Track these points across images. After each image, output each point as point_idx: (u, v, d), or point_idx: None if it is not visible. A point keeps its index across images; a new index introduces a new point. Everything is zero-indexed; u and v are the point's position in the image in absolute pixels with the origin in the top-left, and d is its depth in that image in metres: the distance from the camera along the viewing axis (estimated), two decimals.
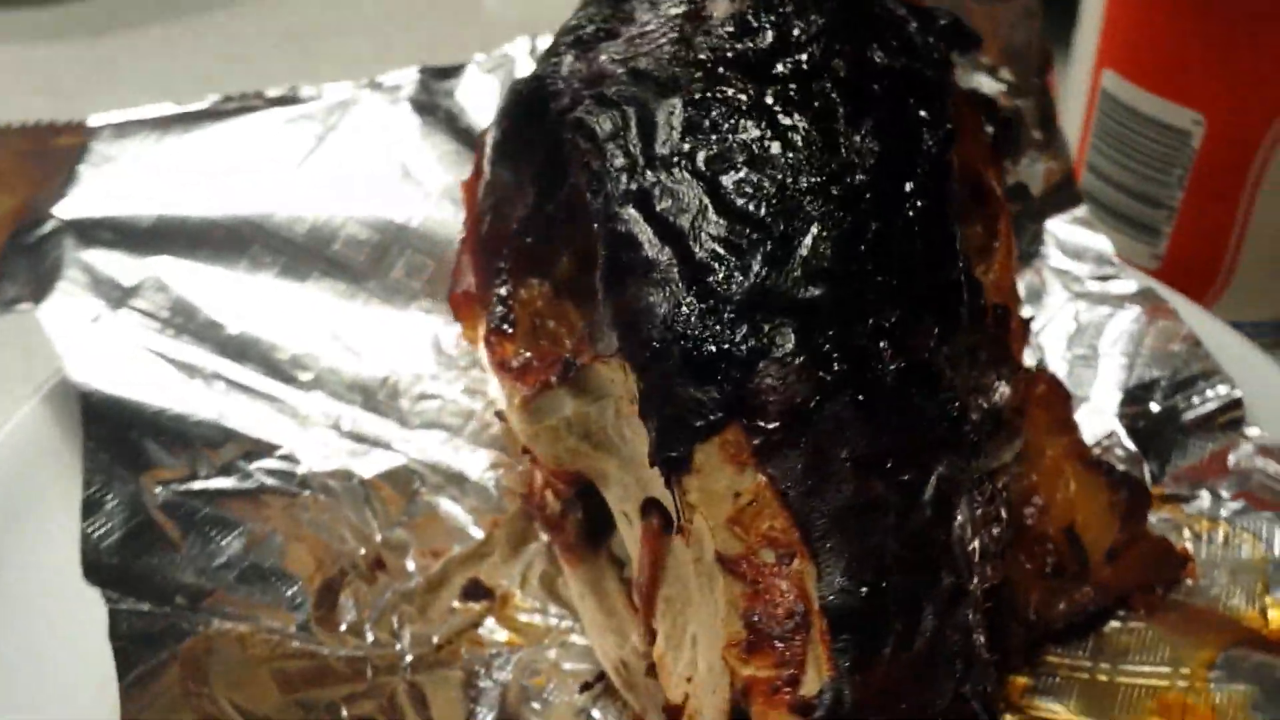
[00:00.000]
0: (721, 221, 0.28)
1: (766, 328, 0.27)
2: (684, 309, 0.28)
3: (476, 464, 0.40)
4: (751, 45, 0.31)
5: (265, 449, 0.37)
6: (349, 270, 0.42)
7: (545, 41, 0.40)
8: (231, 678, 0.31)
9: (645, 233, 0.28)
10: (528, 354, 0.32)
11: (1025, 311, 0.42)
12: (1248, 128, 0.42)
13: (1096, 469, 0.38)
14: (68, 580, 0.32)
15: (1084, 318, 0.44)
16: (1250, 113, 0.41)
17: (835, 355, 0.27)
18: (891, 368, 0.27)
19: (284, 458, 0.37)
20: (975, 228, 0.34)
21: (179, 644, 0.31)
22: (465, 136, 0.45)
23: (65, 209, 0.40)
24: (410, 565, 0.37)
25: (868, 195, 0.29)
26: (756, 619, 0.26)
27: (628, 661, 0.33)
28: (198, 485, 0.35)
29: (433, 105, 0.46)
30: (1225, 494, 0.39)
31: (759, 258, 0.28)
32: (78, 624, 0.32)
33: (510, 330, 0.33)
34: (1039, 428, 0.38)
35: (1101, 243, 0.45)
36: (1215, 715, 0.34)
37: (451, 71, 0.47)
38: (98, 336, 0.38)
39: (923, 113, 0.30)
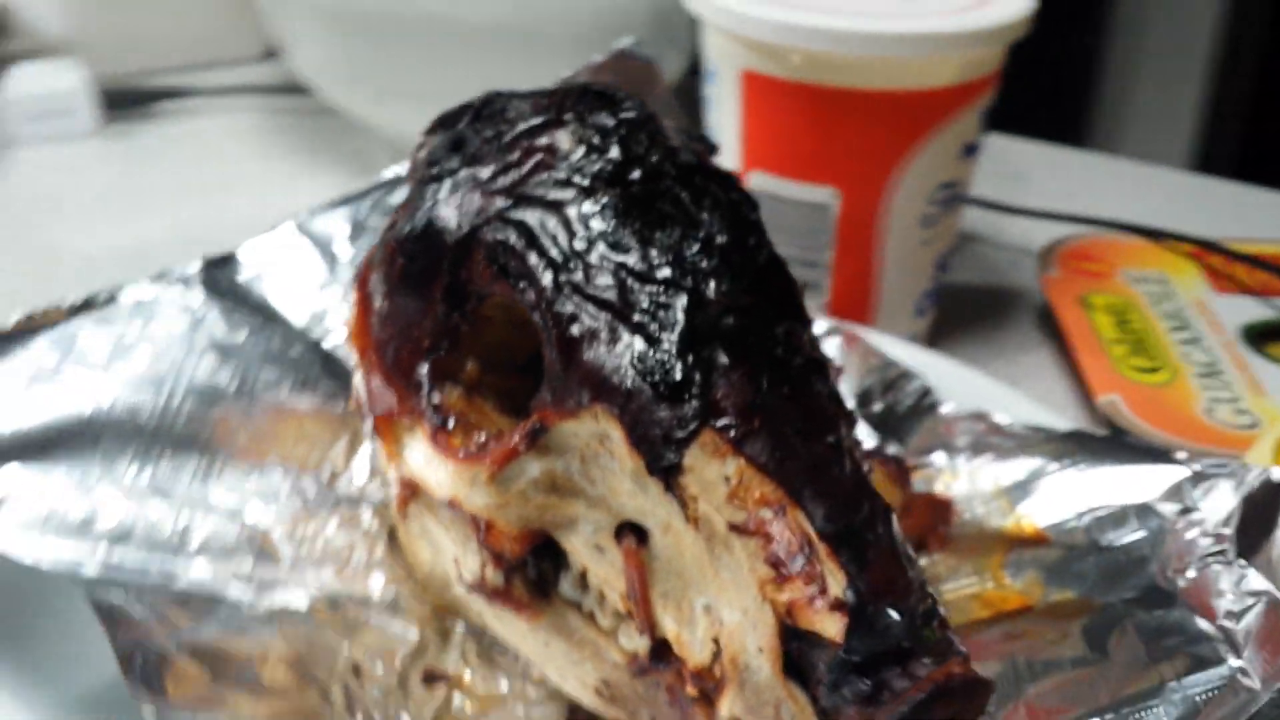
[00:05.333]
0: (643, 288, 0.36)
1: (705, 353, 0.36)
2: (639, 356, 0.35)
3: (375, 585, 0.44)
4: (604, 162, 0.39)
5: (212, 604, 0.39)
6: (198, 442, 0.45)
7: None
8: None
9: (585, 309, 0.36)
10: (483, 436, 0.38)
11: None
12: (870, 194, 0.57)
13: (871, 454, 0.50)
14: None
15: None
16: (870, 183, 0.56)
17: (759, 361, 0.36)
18: (797, 362, 0.37)
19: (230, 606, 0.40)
20: None
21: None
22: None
23: None
24: (379, 668, 0.40)
25: (733, 248, 0.38)
26: (776, 559, 0.34)
27: (609, 679, 0.39)
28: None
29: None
30: (951, 452, 0.52)
31: (680, 306, 0.36)
32: None
33: (451, 428, 0.39)
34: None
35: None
36: (1021, 595, 0.46)
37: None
38: None
39: (730, 190, 0.41)
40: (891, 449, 0.52)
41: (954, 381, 0.55)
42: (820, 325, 0.56)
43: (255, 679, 0.38)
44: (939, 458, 0.51)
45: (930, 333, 0.65)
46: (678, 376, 0.35)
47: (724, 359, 0.36)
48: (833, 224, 0.57)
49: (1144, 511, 0.45)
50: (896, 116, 0.54)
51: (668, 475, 0.35)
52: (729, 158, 0.59)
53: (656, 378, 0.35)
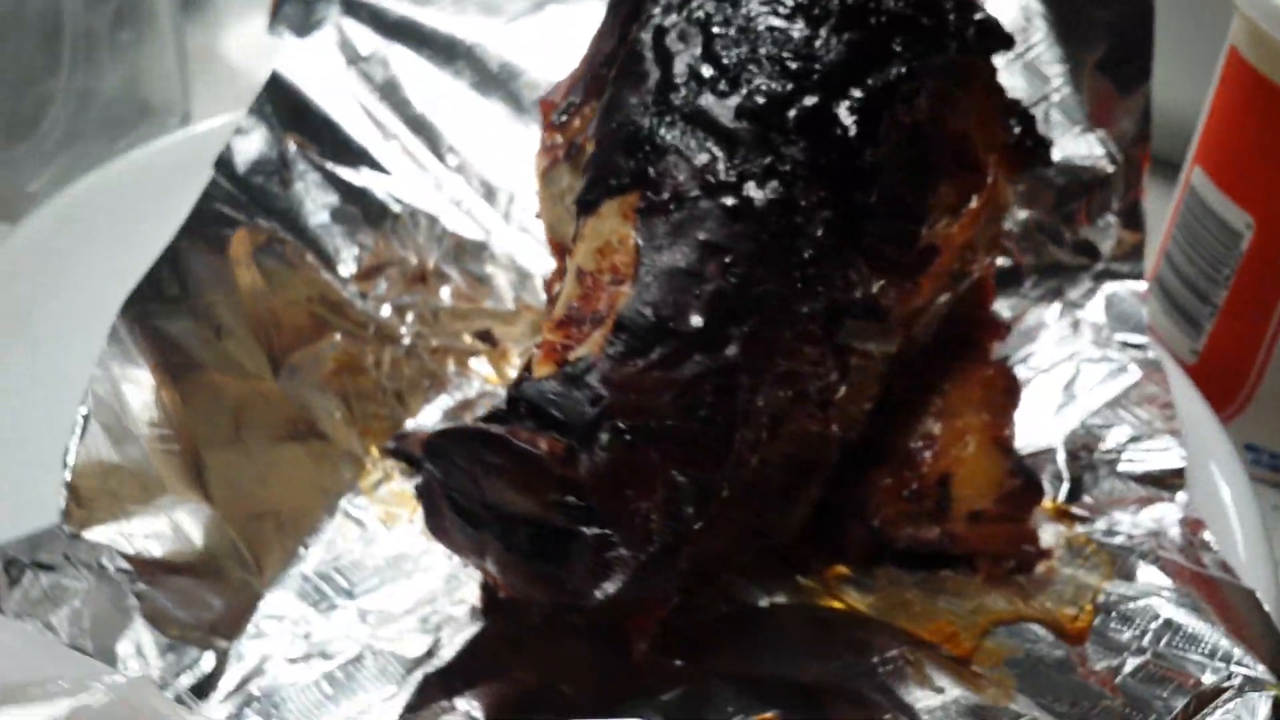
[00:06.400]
0: (700, 60, 0.37)
1: (692, 140, 0.36)
2: (643, 107, 0.37)
3: (541, 267, 0.50)
4: None
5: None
6: (518, 102, 0.54)
7: None
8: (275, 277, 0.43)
9: (649, 54, 0.38)
10: (552, 138, 0.42)
11: (1054, 348, 0.48)
12: None
13: (1003, 451, 0.43)
14: None
15: (1086, 365, 0.48)
16: None
17: (728, 172, 0.35)
18: (767, 197, 0.35)
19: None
20: (949, 187, 0.40)
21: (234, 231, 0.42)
22: None
23: None
24: (444, 292, 0.47)
25: (815, 79, 0.36)
26: (574, 309, 0.34)
27: None
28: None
29: None
30: (1120, 530, 0.42)
31: (711, 92, 0.36)
32: None
33: (559, 124, 0.43)
34: (969, 401, 0.43)
35: (1142, 317, 0.49)
36: (973, 653, 0.38)
37: None
38: (321, 69, 0.51)
39: (899, 47, 0.38)
40: (1064, 488, 0.44)
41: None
42: (1149, 353, 0.47)
43: None
44: (1099, 525, 0.42)
45: None
46: (648, 135, 0.36)
47: (702, 151, 0.35)
48: (1238, 259, 0.47)
49: None
50: None
51: (581, 210, 0.36)
52: (1193, 144, 0.50)
53: (632, 128, 0.36)
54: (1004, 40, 0.41)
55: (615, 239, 0.35)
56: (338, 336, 0.43)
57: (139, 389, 0.37)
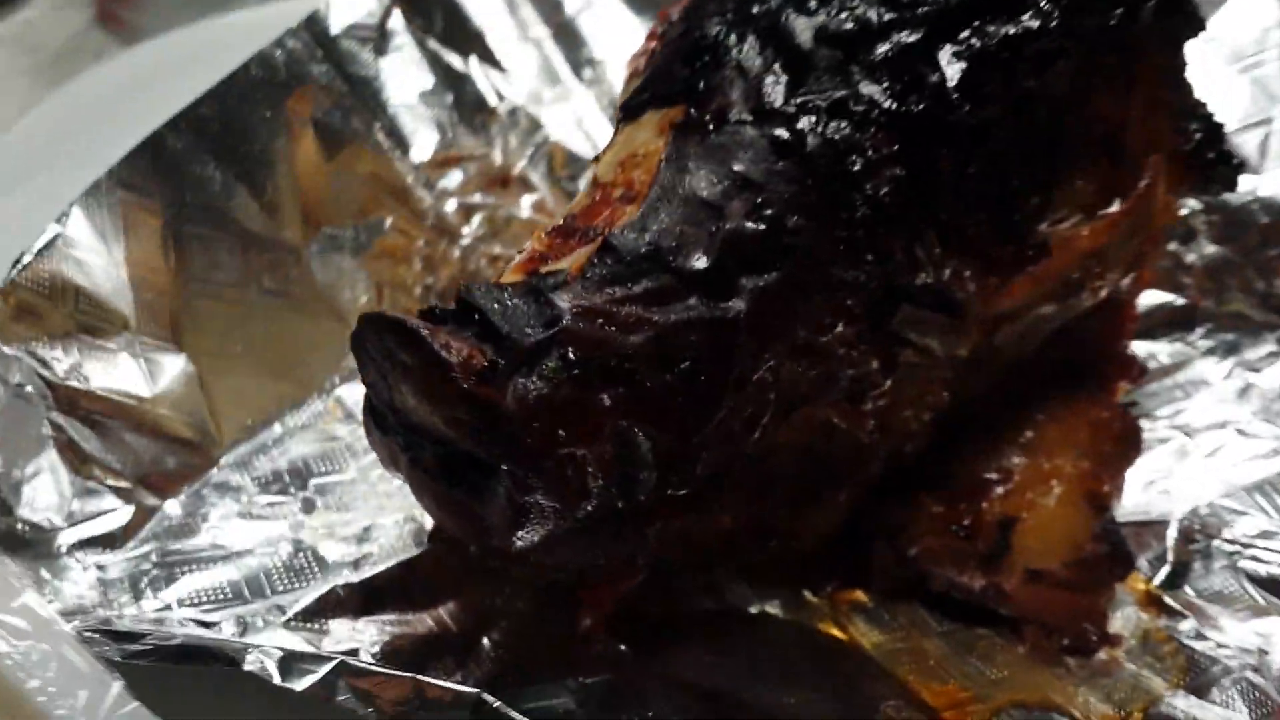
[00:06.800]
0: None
1: (759, 57, 0.30)
2: (720, 13, 0.32)
3: None
4: None
5: None
6: None
7: None
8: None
9: None
10: (648, 46, 0.37)
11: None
12: None
13: (1094, 509, 0.36)
14: None
15: (1239, 439, 0.40)
16: None
17: (788, 100, 0.30)
18: (827, 135, 0.29)
19: None
20: (1087, 181, 0.34)
21: None
22: None
23: None
24: (525, 201, 0.44)
25: (923, 12, 0.30)
26: (571, 219, 0.30)
27: None
28: None
29: None
30: (1214, 636, 0.35)
31: (796, 7, 0.31)
32: None
33: (661, 34, 0.38)
34: (1070, 441, 0.36)
35: None
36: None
37: None
38: None
39: (1046, 2, 0.31)
40: (1164, 570, 0.36)
41: None
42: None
43: None
44: (1187, 627, 0.35)
45: None
46: (710, 47, 0.31)
47: (769, 76, 0.30)
48: None
49: None
50: None
51: (624, 115, 0.32)
52: None
53: (701, 36, 0.31)
54: (1190, 22, 0.34)
55: (643, 152, 0.30)
56: (389, 220, 0.40)
57: (140, 220, 0.35)
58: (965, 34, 0.30)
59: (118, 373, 0.32)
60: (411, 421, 0.27)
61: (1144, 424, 0.40)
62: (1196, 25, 0.34)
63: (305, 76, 0.39)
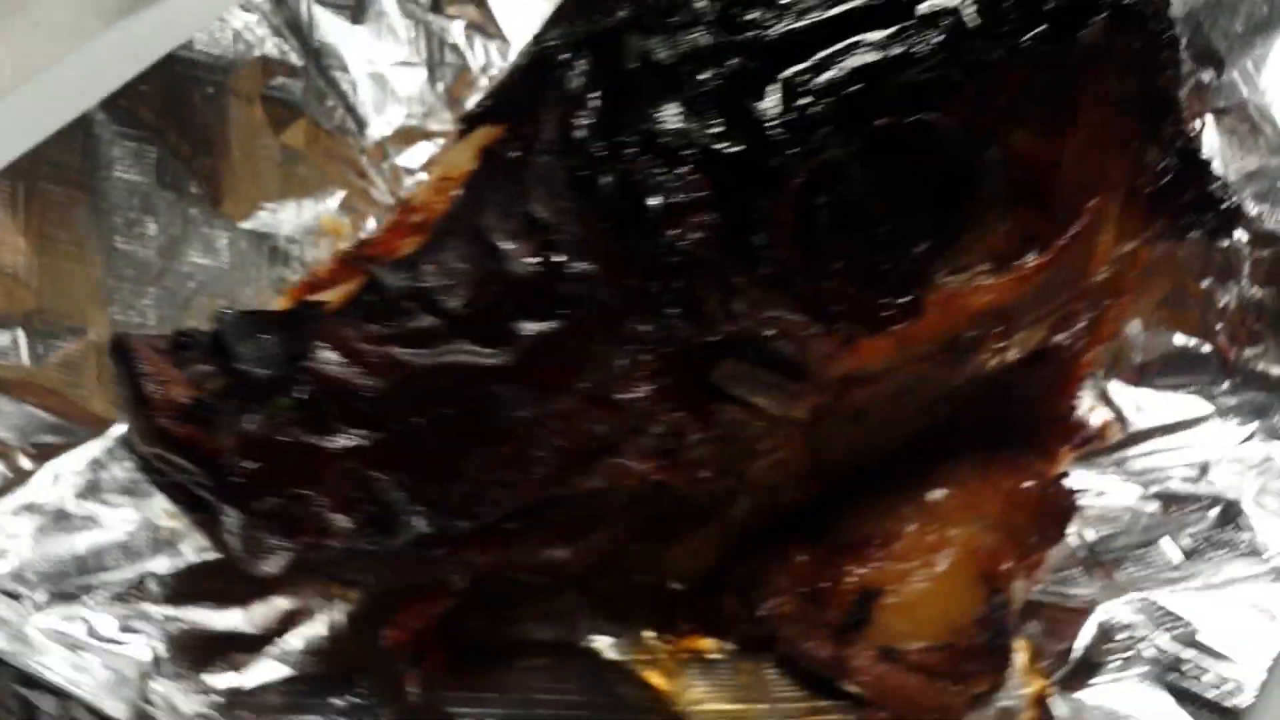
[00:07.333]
0: None
1: (582, 80, 0.28)
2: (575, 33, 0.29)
3: None
4: None
5: None
6: None
7: None
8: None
9: None
10: None
11: None
12: None
13: (985, 590, 0.32)
14: None
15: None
16: None
17: (599, 139, 0.27)
18: (620, 173, 0.27)
19: None
20: (993, 231, 0.29)
21: None
22: None
23: None
24: None
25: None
26: (364, 243, 0.29)
27: None
28: None
29: None
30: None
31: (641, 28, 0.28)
32: None
33: None
34: (977, 511, 0.33)
35: None
36: None
37: None
38: None
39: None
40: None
41: None
42: None
43: None
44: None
45: None
46: (546, 64, 0.29)
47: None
48: None
49: None
50: None
51: (465, 125, 0.31)
52: None
53: (550, 48, 0.29)
54: (1163, 38, 0.28)
55: (455, 175, 0.29)
56: (340, 196, 0.40)
57: (61, 196, 0.36)
58: (807, 65, 0.27)
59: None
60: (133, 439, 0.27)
61: (1123, 487, 0.35)
62: (1172, 41, 0.29)
63: (253, 46, 0.39)
